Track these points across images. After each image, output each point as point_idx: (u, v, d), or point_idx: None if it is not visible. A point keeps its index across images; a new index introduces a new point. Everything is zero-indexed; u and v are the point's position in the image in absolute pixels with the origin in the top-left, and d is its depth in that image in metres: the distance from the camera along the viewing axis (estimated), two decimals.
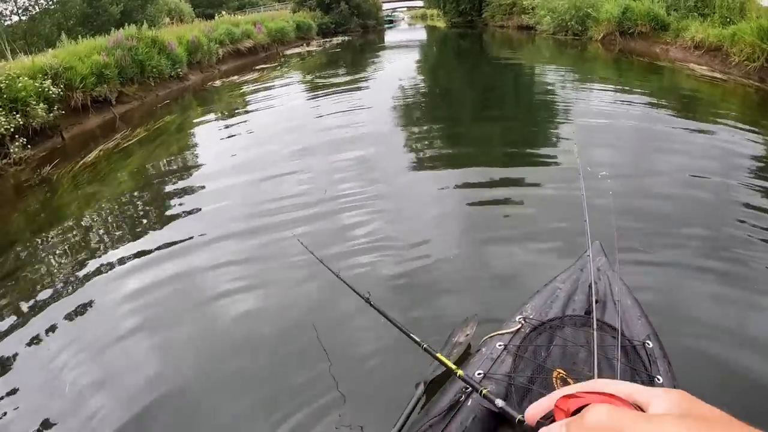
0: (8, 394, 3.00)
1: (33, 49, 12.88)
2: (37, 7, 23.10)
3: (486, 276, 3.78)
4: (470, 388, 1.91)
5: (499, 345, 2.17)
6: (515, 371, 2.00)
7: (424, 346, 2.12)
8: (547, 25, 19.43)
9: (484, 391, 1.68)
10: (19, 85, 9.04)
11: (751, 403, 2.49)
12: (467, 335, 2.73)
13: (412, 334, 2.17)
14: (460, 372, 1.88)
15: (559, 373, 1.92)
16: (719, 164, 5.53)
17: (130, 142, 9.00)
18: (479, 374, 2.03)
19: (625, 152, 6.30)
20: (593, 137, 6.73)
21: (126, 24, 14.31)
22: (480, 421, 1.83)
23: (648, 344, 2.13)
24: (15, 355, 3.38)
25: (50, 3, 22.99)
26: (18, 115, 8.73)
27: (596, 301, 2.25)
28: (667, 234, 4.11)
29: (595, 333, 1.95)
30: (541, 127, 7.96)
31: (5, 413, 2.84)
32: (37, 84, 9.42)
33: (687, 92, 9.75)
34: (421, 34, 34.59)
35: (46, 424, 2.73)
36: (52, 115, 9.47)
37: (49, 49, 11.59)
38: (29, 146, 8.76)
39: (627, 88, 10.32)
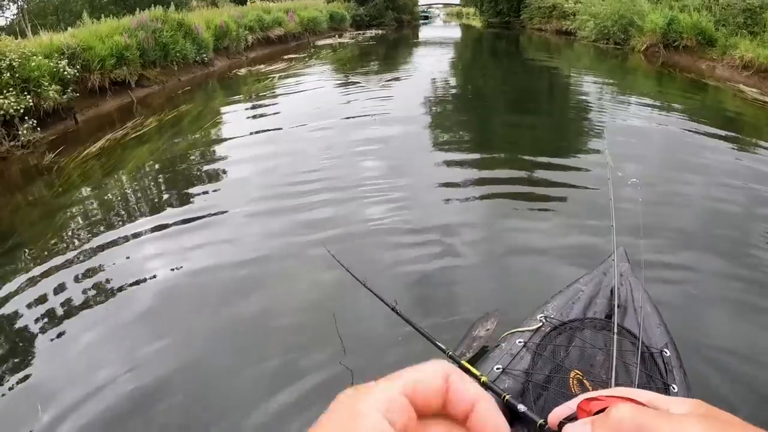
0: (25, 366, 3.14)
1: (64, 26, 12.53)
2: None
3: (509, 274, 3.88)
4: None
5: (519, 342, 2.23)
6: (533, 369, 2.04)
7: (449, 353, 2.12)
8: (588, 32, 18.64)
9: (507, 397, 1.65)
10: (33, 64, 8.74)
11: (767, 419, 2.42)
12: (487, 330, 2.75)
13: (437, 342, 2.17)
14: (484, 378, 1.85)
15: (576, 374, 1.95)
16: (753, 185, 5.44)
17: (139, 133, 8.59)
18: (498, 369, 2.08)
19: (658, 163, 6.29)
20: (627, 146, 6.72)
21: (158, 4, 14.06)
22: (508, 398, 1.82)
23: (665, 352, 2.16)
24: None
25: None
26: (29, 96, 8.42)
27: (618, 306, 2.29)
28: (692, 245, 4.13)
29: (614, 337, 1.98)
30: (573, 132, 7.91)
31: (16, 386, 2.97)
32: (52, 64, 9.10)
33: (730, 114, 9.21)
34: (456, 32, 34.02)
35: (57, 396, 2.84)
36: (65, 96, 9.17)
37: (69, 28, 11.25)
38: (39, 129, 8.43)
39: (667, 102, 9.88)
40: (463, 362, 2.03)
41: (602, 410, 0.40)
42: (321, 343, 3.09)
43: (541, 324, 2.30)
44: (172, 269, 4.15)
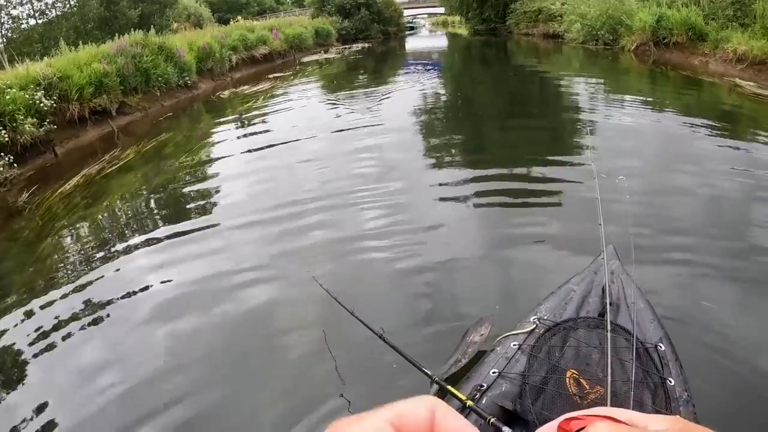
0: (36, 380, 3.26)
1: (48, 53, 12.20)
2: (54, 10, 22.92)
3: (500, 277, 3.91)
4: (484, 386, 2.04)
5: (514, 345, 2.24)
6: (529, 371, 2.05)
7: (435, 378, 2.13)
8: (576, 33, 18.39)
9: (492, 420, 1.67)
10: (7, 97, 8.43)
11: (764, 408, 2.52)
12: (482, 335, 2.73)
13: (423, 368, 2.20)
14: (470, 402, 1.86)
15: (573, 373, 1.95)
16: (746, 178, 5.35)
17: (116, 166, 8.10)
18: (494, 373, 2.10)
19: (647, 160, 6.24)
20: (617, 145, 6.74)
21: (142, 28, 13.79)
22: (493, 421, 1.83)
23: (660, 347, 2.16)
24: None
25: (66, 7, 22.73)
26: (4, 131, 8.10)
27: (610, 304, 2.30)
28: (681, 240, 4.14)
29: (608, 335, 2.00)
30: (562, 134, 7.91)
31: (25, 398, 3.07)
32: (27, 96, 8.79)
33: (726, 108, 8.97)
34: (443, 42, 34.01)
35: (60, 405, 2.97)
36: (43, 129, 8.85)
37: (45, 57, 10.95)
38: (15, 165, 8.06)
39: (660, 100, 9.71)
40: (449, 387, 2.02)
41: (582, 429, 0.40)
42: (312, 368, 3.08)
43: (534, 326, 2.33)
44: (160, 300, 4.03)
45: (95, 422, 2.80)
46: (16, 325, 3.88)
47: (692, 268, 3.73)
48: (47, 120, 9.06)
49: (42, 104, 8.98)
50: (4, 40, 21.44)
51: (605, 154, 6.35)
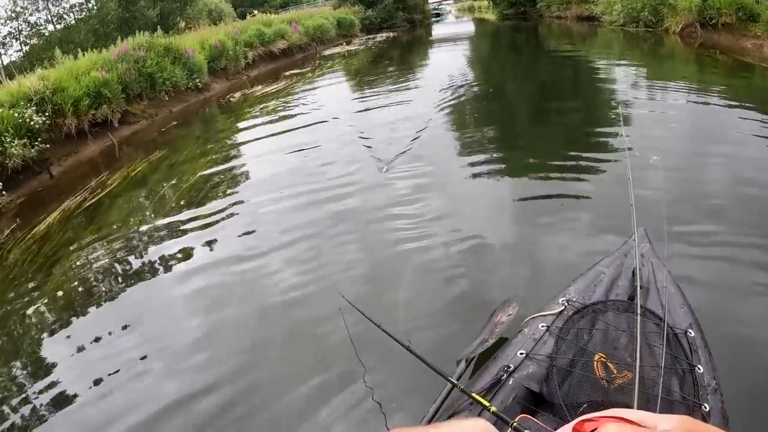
0: (76, 375, 3.40)
1: (67, 58, 11.64)
2: (72, 14, 22.66)
3: (529, 258, 3.85)
4: (511, 367, 2.05)
5: (542, 326, 2.23)
6: (557, 353, 2.04)
7: (461, 387, 2.02)
8: (616, 15, 17.12)
9: (515, 424, 1.65)
10: None
11: None
12: (509, 315, 2.71)
13: (449, 377, 2.11)
14: (494, 408, 1.77)
15: (601, 357, 1.94)
16: None
17: (98, 197, 7.15)
18: (521, 354, 2.11)
19: (685, 144, 6.01)
20: (653, 130, 6.45)
21: (161, 27, 13.22)
22: (520, 400, 1.92)
23: (690, 333, 2.12)
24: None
25: (84, 11, 22.47)
26: None
27: (640, 287, 2.28)
28: (716, 226, 3.98)
29: (638, 319, 2.00)
30: (596, 118, 7.67)
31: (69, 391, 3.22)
32: (16, 114, 8.21)
33: None
34: (470, 28, 32.65)
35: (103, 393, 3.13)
36: (35, 149, 8.26)
37: (38, 69, 10.37)
38: (4, 191, 7.46)
39: (704, 86, 8.70)
40: (473, 394, 1.93)
41: (595, 430, 0.41)
42: (339, 368, 3.03)
43: (563, 308, 2.30)
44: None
45: (125, 405, 3.01)
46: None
47: (726, 254, 3.59)
48: (39, 138, 8.47)
49: (33, 122, 8.38)
50: (24, 48, 21.33)
51: (641, 138, 6.04)
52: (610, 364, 1.91)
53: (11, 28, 21.03)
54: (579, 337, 2.08)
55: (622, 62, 12.28)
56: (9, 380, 3.55)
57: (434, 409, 2.14)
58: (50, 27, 22.46)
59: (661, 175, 4.43)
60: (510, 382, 1.98)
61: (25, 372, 3.63)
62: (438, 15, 42.22)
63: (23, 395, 3.31)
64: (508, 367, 2.04)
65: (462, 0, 47.99)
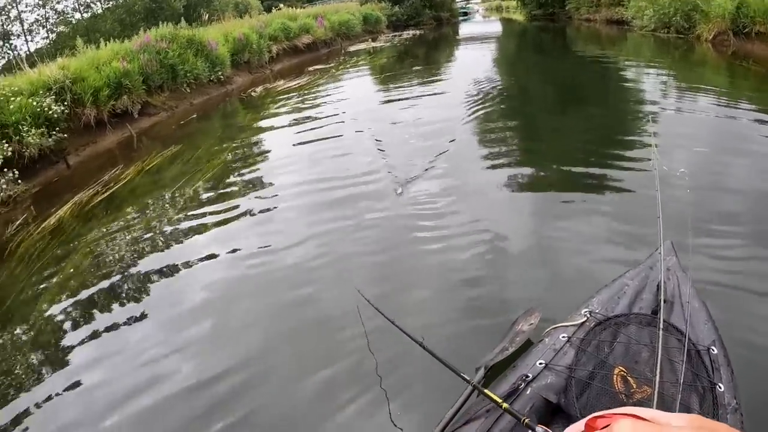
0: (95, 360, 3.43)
1: (92, 47, 11.55)
2: (99, 3, 22.76)
3: (552, 268, 3.79)
4: (530, 377, 2.03)
5: (563, 337, 2.21)
6: (576, 364, 2.02)
7: (473, 383, 2.07)
8: (647, 20, 16.62)
9: (526, 420, 1.66)
10: (11, 107, 7.76)
11: None
12: (530, 324, 2.71)
13: (462, 374, 2.12)
14: (505, 405, 1.80)
15: (620, 370, 1.92)
16: None
17: (110, 191, 6.98)
18: (540, 364, 2.09)
19: (714, 156, 5.76)
20: (681, 140, 6.23)
21: (188, 19, 13.13)
22: (537, 410, 1.90)
23: (713, 350, 2.08)
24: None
25: (112, 0, 22.58)
26: (7, 145, 7.42)
27: (664, 301, 2.22)
28: (743, 241, 3.86)
29: (660, 333, 1.96)
30: (624, 127, 7.38)
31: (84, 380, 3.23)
32: (35, 103, 8.11)
33: None
34: (497, 28, 32.20)
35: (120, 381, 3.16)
36: (51, 139, 8.16)
37: (58, 58, 10.27)
38: (20, 181, 7.37)
39: (734, 96, 8.37)
40: (485, 391, 1.92)
41: (607, 426, 0.42)
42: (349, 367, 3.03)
43: (585, 319, 2.28)
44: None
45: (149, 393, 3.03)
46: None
47: (753, 270, 3.48)
48: (57, 128, 8.36)
49: (51, 111, 8.28)
50: (51, 35, 21.49)
51: (668, 148, 5.95)
52: (629, 378, 1.89)
53: (38, 15, 21.18)
54: (600, 349, 2.06)
55: (652, 68, 11.91)
56: (26, 366, 3.61)
57: (452, 412, 2.15)
58: (77, 15, 22.65)
59: (688, 186, 4.33)
60: (528, 392, 1.97)
61: (41, 358, 3.69)
62: (465, 14, 41.73)
63: (39, 381, 3.39)
64: (527, 377, 2.03)
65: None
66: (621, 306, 2.37)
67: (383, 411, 2.64)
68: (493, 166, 6.00)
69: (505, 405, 1.81)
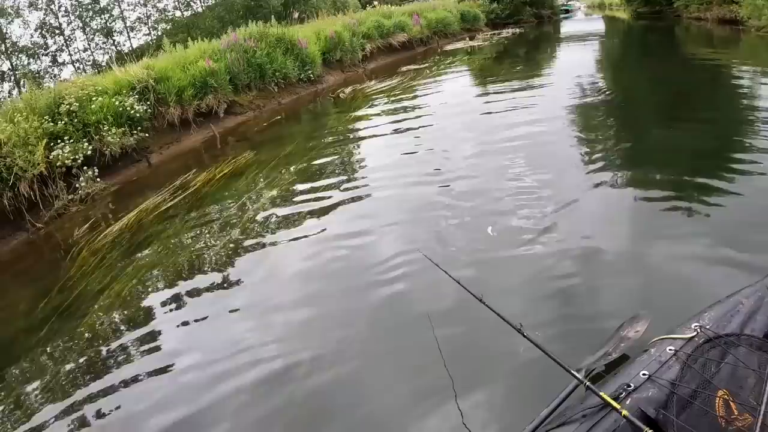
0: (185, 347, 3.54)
1: (176, 47, 11.54)
2: (199, 1, 23.30)
3: (658, 279, 3.57)
4: (631, 387, 1.92)
5: (670, 349, 2.11)
6: (680, 381, 1.91)
7: (586, 383, 2.01)
8: (765, 20, 14.65)
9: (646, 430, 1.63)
10: (93, 106, 7.61)
11: None
12: (637, 332, 2.58)
13: (571, 370, 2.10)
14: (625, 412, 1.74)
15: (724, 394, 1.80)
16: None
17: (181, 197, 6.60)
18: (644, 375, 2.00)
19: None
20: None
21: (286, 17, 12.92)
22: (632, 422, 1.76)
23: None
24: None
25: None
26: (87, 144, 7.31)
27: None
28: None
29: None
30: (740, 137, 6.51)
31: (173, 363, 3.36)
32: (117, 102, 7.93)
33: None
34: (600, 26, 30.22)
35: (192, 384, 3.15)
36: (133, 138, 7.96)
37: (144, 59, 10.12)
38: (99, 179, 7.31)
39: None
40: (602, 394, 1.88)
41: None
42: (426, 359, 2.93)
43: (695, 333, 2.11)
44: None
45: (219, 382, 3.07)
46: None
47: None
48: (140, 127, 8.17)
49: (133, 111, 8.07)
50: (153, 32, 22.20)
51: None
52: (732, 404, 1.76)
53: (140, 13, 21.88)
54: (706, 368, 1.92)
55: None
56: (120, 346, 3.74)
57: (555, 404, 2.10)
58: (177, 13, 23.29)
59: None
60: (628, 402, 1.86)
61: (134, 337, 3.81)
62: (567, 11, 39.95)
63: (131, 361, 3.53)
64: (628, 386, 1.93)
65: None
66: (733, 325, 2.20)
67: (477, 405, 2.60)
68: (593, 170, 5.61)
69: (624, 412, 1.76)
